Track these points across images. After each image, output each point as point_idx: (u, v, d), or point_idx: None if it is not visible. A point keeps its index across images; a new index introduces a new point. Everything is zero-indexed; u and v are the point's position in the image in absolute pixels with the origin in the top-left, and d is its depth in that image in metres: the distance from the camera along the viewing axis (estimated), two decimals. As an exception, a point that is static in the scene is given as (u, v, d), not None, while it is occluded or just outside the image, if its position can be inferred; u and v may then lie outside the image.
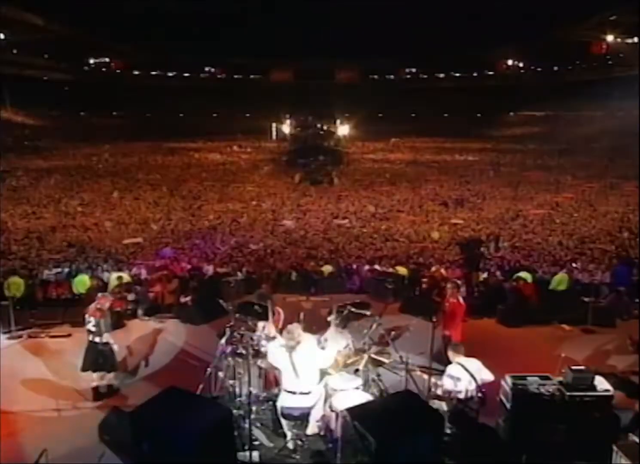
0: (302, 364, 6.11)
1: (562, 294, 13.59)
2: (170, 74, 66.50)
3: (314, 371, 6.22)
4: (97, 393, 8.06)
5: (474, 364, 6.44)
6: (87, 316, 8.13)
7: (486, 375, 6.40)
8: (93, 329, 8.02)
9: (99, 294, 8.69)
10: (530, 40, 55.05)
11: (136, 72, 64.99)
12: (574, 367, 6.03)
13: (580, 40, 52.27)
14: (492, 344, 9.58)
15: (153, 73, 65.63)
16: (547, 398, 5.85)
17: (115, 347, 8.24)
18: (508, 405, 6.01)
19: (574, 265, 16.71)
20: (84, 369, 8.07)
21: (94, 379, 8.08)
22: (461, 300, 8.89)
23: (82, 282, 13.55)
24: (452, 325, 8.59)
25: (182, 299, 12.73)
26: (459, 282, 9.34)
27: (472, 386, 6.32)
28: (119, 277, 13.97)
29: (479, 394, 6.32)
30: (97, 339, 8.03)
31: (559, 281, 13.99)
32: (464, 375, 6.33)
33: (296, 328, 6.36)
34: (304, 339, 6.38)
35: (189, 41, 58.81)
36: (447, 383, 6.41)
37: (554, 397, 5.84)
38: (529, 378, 6.06)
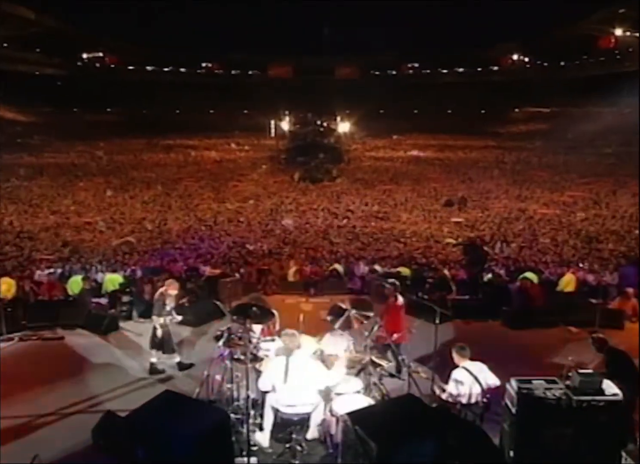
0: (296, 372, 6.15)
1: (569, 295, 13.61)
2: (166, 69, 66.40)
3: (308, 381, 6.24)
4: (153, 369, 9.06)
5: (479, 368, 6.45)
6: (155, 298, 9.29)
7: (492, 380, 6.40)
8: (155, 311, 9.10)
9: (168, 281, 9.59)
10: (535, 34, 55.07)
11: (131, 68, 64.88)
12: (581, 370, 6.02)
13: (588, 34, 52.20)
14: (497, 347, 9.59)
15: (148, 68, 65.55)
16: (554, 402, 5.83)
17: (159, 332, 9.12)
18: (513, 409, 5.99)
19: (581, 266, 16.72)
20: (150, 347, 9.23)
21: (152, 355, 9.16)
22: (400, 301, 8.94)
23: (75, 284, 13.55)
24: (388, 325, 8.51)
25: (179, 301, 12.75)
26: (397, 282, 9.41)
27: (477, 391, 6.33)
28: (114, 279, 14.03)
29: (484, 399, 6.33)
30: (156, 320, 9.12)
31: (566, 282, 14.02)
32: (469, 379, 6.34)
33: (295, 335, 6.41)
34: (303, 346, 6.44)
35: (185, 35, 58.89)
36: (451, 388, 6.42)
37: (561, 401, 5.82)
38: (534, 382, 6.04)
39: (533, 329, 11.22)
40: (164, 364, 9.18)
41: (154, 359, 9.12)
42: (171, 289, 9.25)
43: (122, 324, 11.86)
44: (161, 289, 9.29)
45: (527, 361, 8.87)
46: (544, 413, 5.83)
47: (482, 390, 6.32)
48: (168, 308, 9.14)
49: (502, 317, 11.97)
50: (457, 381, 6.41)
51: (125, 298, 12.86)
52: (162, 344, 9.11)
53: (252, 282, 15.22)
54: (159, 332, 9.10)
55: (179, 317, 9.44)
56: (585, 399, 5.78)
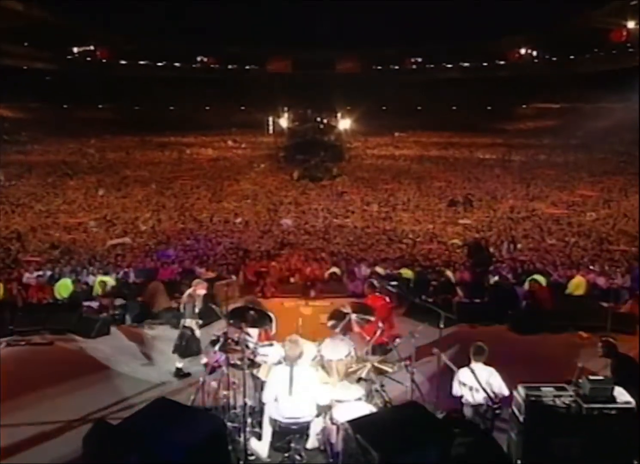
0: (300, 382, 6.11)
1: (578, 299, 13.61)
2: (160, 64, 66.34)
3: (311, 390, 6.22)
4: (179, 373, 9.17)
5: (489, 373, 6.47)
6: (184, 301, 9.29)
7: (499, 388, 6.38)
8: (187, 314, 9.17)
9: (195, 281, 9.61)
10: (544, 27, 55.00)
11: (123, 62, 64.87)
12: (591, 377, 6.00)
13: (599, 27, 52.14)
14: (504, 352, 9.55)
15: (142, 63, 65.46)
16: (563, 410, 5.82)
17: (197, 333, 9.23)
18: (521, 418, 5.98)
19: (591, 268, 16.70)
20: (173, 351, 9.28)
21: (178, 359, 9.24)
22: (381, 299, 9.19)
23: (65, 287, 13.54)
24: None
25: (173, 304, 12.72)
26: (375, 282, 9.79)
27: (481, 395, 6.34)
28: (103, 282, 14.02)
29: (494, 406, 6.31)
30: (181, 322, 9.23)
31: (576, 285, 14.01)
32: (472, 382, 6.36)
33: (298, 342, 6.35)
34: (305, 352, 6.41)
35: (180, 28, 58.80)
36: (455, 389, 6.47)
37: (570, 409, 5.81)
38: (543, 389, 6.03)
39: (541, 333, 11.22)
40: (159, 371, 9.18)
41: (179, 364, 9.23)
42: (199, 289, 9.30)
43: (114, 328, 11.85)
44: (189, 291, 9.31)
45: (535, 367, 8.87)
46: (553, 421, 5.82)
47: (488, 396, 6.33)
48: (197, 310, 9.20)
49: (509, 321, 11.96)
50: (459, 381, 6.48)
51: (118, 301, 12.85)
52: (188, 347, 9.17)
53: (249, 285, 15.22)
54: (197, 333, 9.21)
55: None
56: (596, 407, 5.77)
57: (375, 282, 9.74)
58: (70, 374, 9.29)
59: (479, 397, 6.38)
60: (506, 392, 6.37)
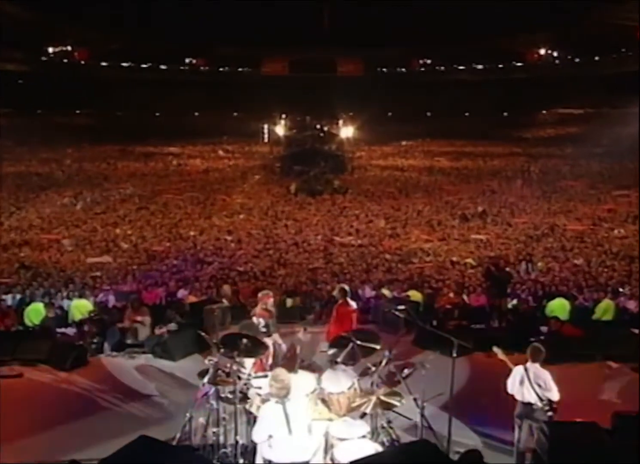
0: (296, 419, 5.98)
1: (606, 324, 13.55)
2: (144, 66, 66.70)
3: (309, 428, 6.10)
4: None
5: (543, 377, 6.78)
6: (254, 318, 9.20)
7: (549, 392, 6.64)
8: (263, 330, 9.02)
9: (260, 293, 9.80)
10: (565, 24, 55.29)
11: (104, 64, 65.21)
12: (622, 412, 5.95)
13: (626, 23, 52.41)
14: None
15: (124, 64, 65.83)
16: (592, 449, 5.77)
17: (283, 347, 9.16)
18: (545, 457, 5.93)
19: (620, 290, 16.66)
20: None
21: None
22: (352, 305, 9.81)
23: (36, 312, 13.47)
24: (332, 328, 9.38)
25: (157, 331, 12.67)
26: (345, 287, 10.38)
27: (532, 396, 6.67)
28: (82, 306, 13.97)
29: (543, 406, 6.49)
30: (267, 340, 8.81)
31: (603, 309, 13.98)
32: (524, 381, 6.75)
33: (284, 380, 6.12)
34: (299, 386, 6.33)
35: (166, 27, 59.09)
36: (509, 386, 6.94)
37: (600, 447, 5.76)
38: (569, 426, 5.99)
39: (566, 363, 11.12)
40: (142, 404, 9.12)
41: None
42: (268, 299, 9.41)
43: (91, 358, 11.79)
44: (255, 309, 9.38)
45: (560, 401, 8.80)
46: (581, 461, 5.76)
47: (539, 397, 6.63)
48: (271, 328, 9.19)
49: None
50: (512, 379, 6.95)
51: (96, 328, 12.79)
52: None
53: (242, 309, 15.18)
54: (284, 347, 9.15)
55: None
56: (629, 445, 5.70)
57: (346, 287, 10.26)
58: (41, 410, 9.23)
59: (530, 397, 6.69)
60: (555, 397, 6.59)
